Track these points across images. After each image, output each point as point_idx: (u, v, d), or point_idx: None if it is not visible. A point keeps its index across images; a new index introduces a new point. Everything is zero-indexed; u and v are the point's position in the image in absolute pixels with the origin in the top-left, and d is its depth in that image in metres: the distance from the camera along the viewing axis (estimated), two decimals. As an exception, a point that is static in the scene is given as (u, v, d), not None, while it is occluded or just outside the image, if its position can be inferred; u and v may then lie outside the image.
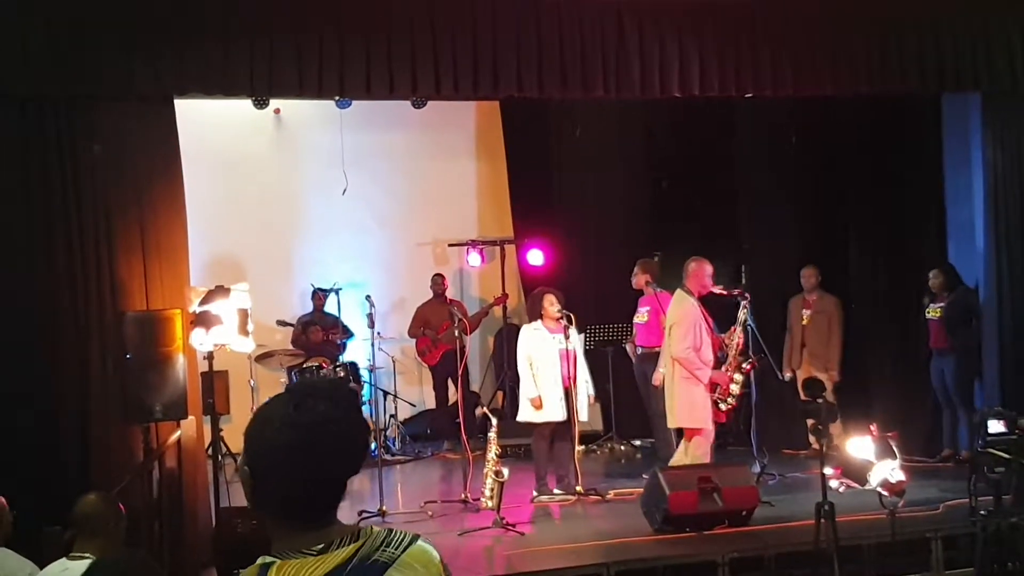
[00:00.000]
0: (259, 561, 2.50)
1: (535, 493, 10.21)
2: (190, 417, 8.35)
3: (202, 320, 8.18)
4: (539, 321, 10.32)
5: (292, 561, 2.45)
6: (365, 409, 11.39)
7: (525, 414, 10.31)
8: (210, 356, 8.22)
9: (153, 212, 8.71)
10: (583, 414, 10.33)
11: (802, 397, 8.39)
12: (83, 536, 4.97)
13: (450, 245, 14.63)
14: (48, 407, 8.29)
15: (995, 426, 7.20)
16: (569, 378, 10.11)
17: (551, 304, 10.21)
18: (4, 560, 5.46)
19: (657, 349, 10.75)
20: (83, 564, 4.54)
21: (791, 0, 9.95)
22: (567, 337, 10.15)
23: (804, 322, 12.11)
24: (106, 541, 4.82)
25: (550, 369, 10.14)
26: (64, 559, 5.02)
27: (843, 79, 10.08)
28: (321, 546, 2.47)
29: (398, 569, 2.49)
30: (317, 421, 2.46)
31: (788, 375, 11.82)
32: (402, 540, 2.55)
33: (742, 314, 9.86)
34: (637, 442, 12.73)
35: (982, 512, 7.27)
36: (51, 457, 8.19)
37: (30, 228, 8.43)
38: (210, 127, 12.39)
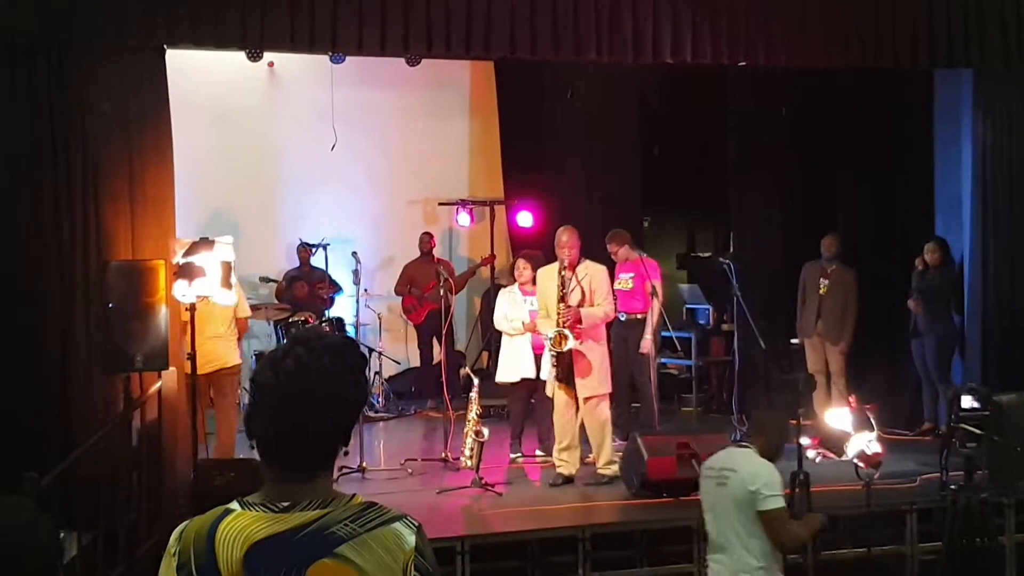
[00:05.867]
0: (224, 506, 2.50)
1: (511, 453, 10.29)
2: (171, 368, 8.35)
3: (185, 271, 8.15)
4: (515, 285, 10.36)
5: (249, 513, 2.44)
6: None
7: (503, 374, 10.37)
8: (192, 308, 8.20)
9: (141, 162, 8.65)
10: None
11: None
12: (754, 432, 6.18)
13: (440, 204, 14.57)
14: (30, 353, 8.29)
15: (968, 402, 7.22)
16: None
17: (517, 270, 10.28)
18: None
19: (641, 316, 10.74)
20: (743, 451, 5.98)
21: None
22: None
23: (821, 291, 11.56)
24: (766, 440, 5.98)
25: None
26: (732, 447, 6.31)
27: (836, 52, 10.05)
28: (286, 504, 2.44)
29: (353, 547, 2.41)
30: (296, 368, 2.43)
31: (802, 341, 11.64)
32: (374, 518, 2.46)
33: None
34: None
35: (952, 487, 7.31)
36: (31, 404, 8.18)
37: (16, 174, 8.40)
38: (202, 79, 12.34)
